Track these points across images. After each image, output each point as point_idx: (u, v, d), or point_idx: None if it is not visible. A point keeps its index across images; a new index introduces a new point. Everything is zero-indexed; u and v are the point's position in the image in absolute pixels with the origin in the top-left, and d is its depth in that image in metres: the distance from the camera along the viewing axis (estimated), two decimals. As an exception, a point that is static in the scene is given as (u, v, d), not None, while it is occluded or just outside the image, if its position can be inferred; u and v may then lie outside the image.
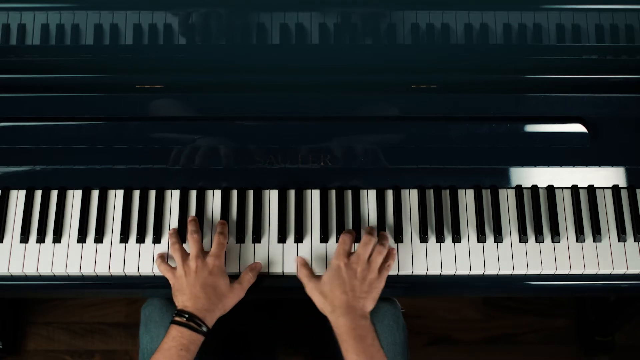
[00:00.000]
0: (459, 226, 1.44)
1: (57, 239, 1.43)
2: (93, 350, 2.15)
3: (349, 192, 1.47)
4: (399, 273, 1.42)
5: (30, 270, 1.41)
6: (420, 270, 1.43)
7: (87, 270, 1.41)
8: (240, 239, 1.43)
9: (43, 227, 1.43)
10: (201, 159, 1.46)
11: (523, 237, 1.44)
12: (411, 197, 1.47)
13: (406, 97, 1.48)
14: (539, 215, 1.45)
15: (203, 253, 1.37)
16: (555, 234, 1.44)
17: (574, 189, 1.48)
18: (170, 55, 1.48)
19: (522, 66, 1.49)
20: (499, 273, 1.43)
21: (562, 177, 1.48)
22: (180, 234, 1.42)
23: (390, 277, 1.40)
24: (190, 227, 1.40)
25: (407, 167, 1.47)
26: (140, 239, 1.43)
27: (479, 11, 1.45)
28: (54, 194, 1.46)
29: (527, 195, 1.47)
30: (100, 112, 1.46)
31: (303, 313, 1.42)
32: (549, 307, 2.22)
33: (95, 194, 1.46)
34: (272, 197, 1.46)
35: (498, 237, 1.44)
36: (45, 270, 1.41)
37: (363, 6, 1.44)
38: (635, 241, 1.45)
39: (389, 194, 1.47)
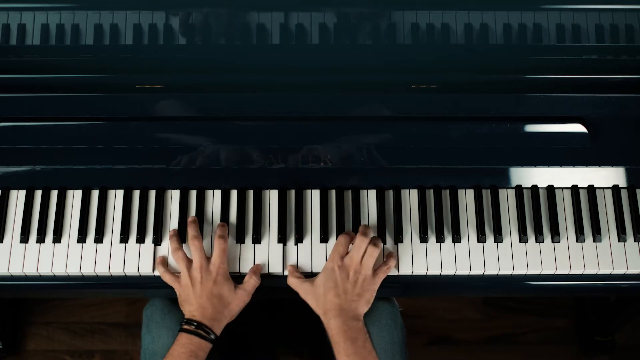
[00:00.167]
0: (459, 226, 1.44)
1: (57, 239, 1.43)
2: (93, 350, 2.15)
3: (349, 192, 1.47)
4: (399, 273, 1.43)
5: (30, 270, 1.41)
6: (420, 270, 1.43)
7: (87, 270, 1.41)
8: (241, 239, 1.43)
9: (43, 227, 1.43)
10: (201, 159, 1.46)
11: (523, 237, 1.44)
12: (411, 197, 1.47)
13: (406, 97, 1.48)
14: (539, 215, 1.45)
15: (206, 261, 1.37)
16: (555, 234, 1.44)
17: (574, 189, 1.48)
18: (170, 55, 1.48)
19: (522, 66, 1.49)
20: (499, 273, 1.43)
21: (562, 177, 1.48)
22: (180, 234, 1.43)
23: (390, 277, 1.41)
24: (191, 232, 1.40)
25: (407, 167, 1.47)
26: (141, 239, 1.43)
27: (479, 11, 1.44)
28: (54, 194, 1.46)
29: (527, 195, 1.47)
30: (100, 112, 1.46)
31: (303, 313, 1.42)
32: (549, 307, 2.22)
33: (95, 194, 1.46)
34: (272, 197, 1.46)
35: (498, 237, 1.44)
36: (45, 270, 1.41)
37: (363, 6, 1.44)
38: (635, 241, 1.45)
39: (389, 194, 1.47)
